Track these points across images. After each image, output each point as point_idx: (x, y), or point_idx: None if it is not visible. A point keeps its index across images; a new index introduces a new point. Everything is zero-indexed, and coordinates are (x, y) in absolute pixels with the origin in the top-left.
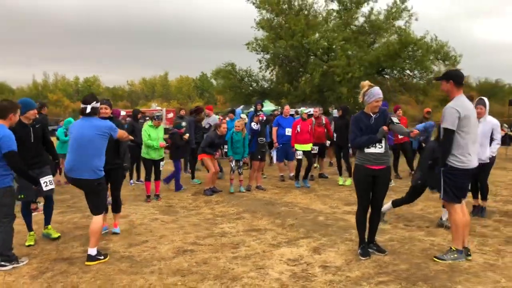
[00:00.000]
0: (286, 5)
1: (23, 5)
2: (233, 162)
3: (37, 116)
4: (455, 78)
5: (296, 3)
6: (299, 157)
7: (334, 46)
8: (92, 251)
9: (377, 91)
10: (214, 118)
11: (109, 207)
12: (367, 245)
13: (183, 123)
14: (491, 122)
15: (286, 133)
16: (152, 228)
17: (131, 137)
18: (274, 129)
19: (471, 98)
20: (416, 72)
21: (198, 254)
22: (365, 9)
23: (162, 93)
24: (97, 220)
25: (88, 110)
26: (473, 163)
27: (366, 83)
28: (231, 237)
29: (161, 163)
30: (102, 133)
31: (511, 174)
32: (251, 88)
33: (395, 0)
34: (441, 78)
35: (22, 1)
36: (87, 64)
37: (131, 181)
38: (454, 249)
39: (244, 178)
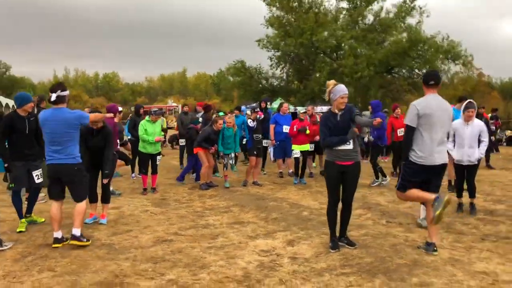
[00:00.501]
0: (296, 3)
1: (45, 2)
2: (226, 158)
3: (35, 109)
4: (423, 78)
5: (306, 1)
6: (297, 155)
7: (343, 44)
8: (77, 232)
9: (341, 88)
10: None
11: (99, 197)
12: (338, 238)
13: (200, 119)
14: (479, 125)
15: (284, 131)
16: (141, 219)
17: (108, 115)
18: (272, 127)
19: (463, 99)
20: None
21: (176, 244)
22: (374, 7)
23: (180, 89)
24: (81, 203)
25: (53, 98)
26: (432, 160)
27: (331, 82)
28: (213, 229)
29: (158, 157)
30: (73, 127)
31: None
32: (260, 85)
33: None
34: None
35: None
36: (107, 60)
37: (133, 174)
38: None
39: (242, 173)
